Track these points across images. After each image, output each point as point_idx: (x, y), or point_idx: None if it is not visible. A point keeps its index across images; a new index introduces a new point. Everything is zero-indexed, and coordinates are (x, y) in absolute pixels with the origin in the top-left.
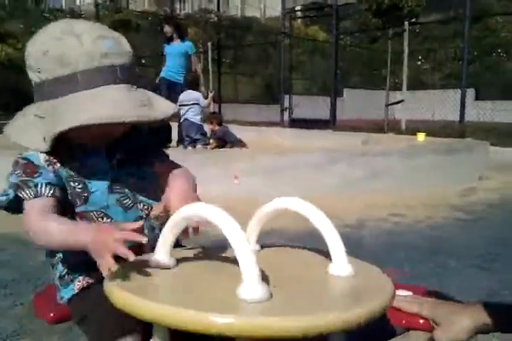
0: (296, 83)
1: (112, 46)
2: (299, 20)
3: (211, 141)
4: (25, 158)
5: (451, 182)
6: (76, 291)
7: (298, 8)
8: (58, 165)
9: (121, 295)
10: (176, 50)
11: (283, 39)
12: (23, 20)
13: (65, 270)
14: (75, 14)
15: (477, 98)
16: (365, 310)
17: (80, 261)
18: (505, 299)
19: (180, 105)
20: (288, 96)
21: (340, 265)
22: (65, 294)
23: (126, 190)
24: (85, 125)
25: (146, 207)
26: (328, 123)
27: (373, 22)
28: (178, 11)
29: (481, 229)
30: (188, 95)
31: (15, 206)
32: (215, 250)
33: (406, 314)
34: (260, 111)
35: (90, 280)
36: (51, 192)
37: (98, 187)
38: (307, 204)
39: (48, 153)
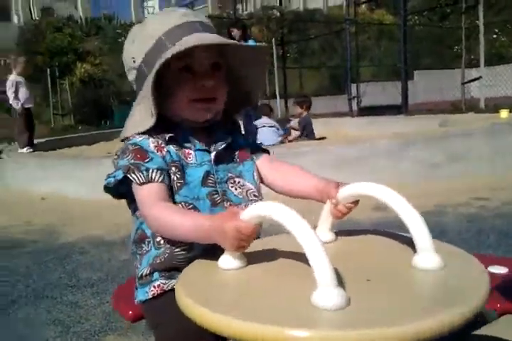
0: (364, 70)
1: (188, 11)
2: (364, 6)
3: (293, 132)
4: (135, 144)
5: None
6: (149, 296)
7: None
8: (165, 150)
9: (196, 309)
10: None
11: (348, 26)
12: (98, 38)
13: (147, 270)
14: None
15: None
16: (456, 316)
17: (163, 266)
18: None
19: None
20: (355, 84)
21: (427, 256)
22: (140, 295)
23: (218, 186)
24: (184, 51)
25: (232, 206)
26: (400, 109)
27: None
28: (240, 12)
29: None
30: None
31: (119, 190)
32: (285, 245)
33: (501, 298)
34: (328, 103)
35: (165, 288)
36: (161, 177)
37: (194, 178)
38: (383, 187)
39: (155, 138)
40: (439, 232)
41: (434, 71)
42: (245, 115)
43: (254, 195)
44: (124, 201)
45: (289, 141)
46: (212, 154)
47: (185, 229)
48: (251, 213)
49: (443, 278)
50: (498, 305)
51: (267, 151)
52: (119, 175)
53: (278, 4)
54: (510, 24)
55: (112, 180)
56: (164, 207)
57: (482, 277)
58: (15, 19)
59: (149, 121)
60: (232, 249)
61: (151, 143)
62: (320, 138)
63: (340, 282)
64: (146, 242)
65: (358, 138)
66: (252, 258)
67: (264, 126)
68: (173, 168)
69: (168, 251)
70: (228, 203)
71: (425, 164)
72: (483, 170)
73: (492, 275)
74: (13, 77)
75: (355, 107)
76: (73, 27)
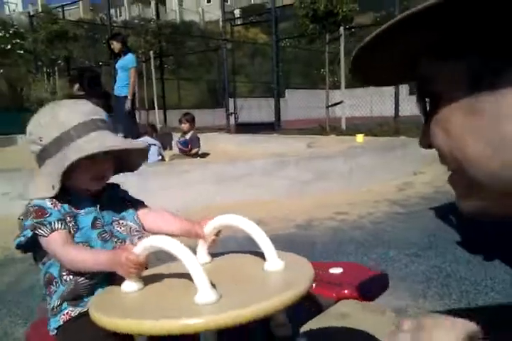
0: (240, 86)
1: (89, 108)
2: (239, 22)
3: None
4: (34, 205)
5: (389, 178)
6: (61, 323)
7: (237, 11)
8: (60, 205)
9: (107, 319)
10: (120, 64)
11: (224, 45)
12: None
13: (57, 302)
14: (6, 25)
15: (411, 93)
16: (291, 297)
17: (70, 296)
18: (436, 282)
19: None
20: (233, 100)
21: (273, 262)
22: (53, 324)
23: (105, 227)
24: (91, 154)
25: (120, 240)
26: (274, 126)
27: (311, 27)
28: (114, 18)
29: (416, 221)
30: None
31: (30, 245)
32: (174, 272)
33: (335, 287)
34: (206, 116)
35: (73, 314)
36: (63, 226)
37: (85, 224)
38: (237, 216)
39: (51, 198)
40: (309, 244)
41: (303, 90)
42: (125, 116)
43: (137, 231)
44: None
45: (189, 154)
46: (97, 205)
47: (92, 262)
48: (143, 245)
49: (284, 276)
50: (334, 295)
51: (143, 203)
52: (28, 233)
53: (154, 13)
54: None
55: (22, 238)
56: (73, 248)
57: (308, 273)
58: None
59: (50, 193)
60: (125, 275)
61: (47, 202)
62: (203, 155)
63: (214, 287)
64: (54, 282)
65: (237, 156)
66: (148, 283)
67: None
68: (68, 218)
69: (73, 282)
70: (115, 239)
71: (296, 182)
72: (342, 187)
73: (331, 274)
74: None
75: (232, 121)
76: None
